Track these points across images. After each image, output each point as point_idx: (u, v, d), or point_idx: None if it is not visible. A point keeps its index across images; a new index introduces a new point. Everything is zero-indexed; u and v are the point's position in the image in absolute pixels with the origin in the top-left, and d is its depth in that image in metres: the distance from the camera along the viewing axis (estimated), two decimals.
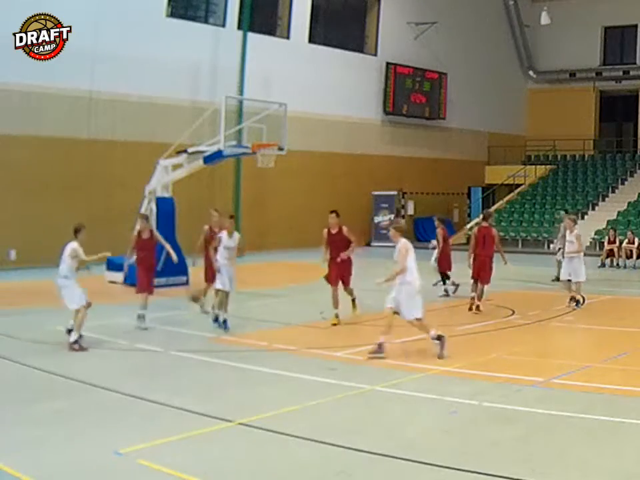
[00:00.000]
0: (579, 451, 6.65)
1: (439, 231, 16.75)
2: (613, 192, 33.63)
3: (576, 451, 6.65)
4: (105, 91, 23.55)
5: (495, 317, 13.71)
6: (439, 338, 10.28)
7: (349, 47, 32.26)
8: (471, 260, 14.63)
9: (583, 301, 14.83)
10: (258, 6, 28.48)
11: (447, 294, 16.41)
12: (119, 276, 18.51)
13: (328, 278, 13.29)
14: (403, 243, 10.43)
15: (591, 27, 37.27)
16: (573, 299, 14.74)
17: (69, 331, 11.34)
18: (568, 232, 14.95)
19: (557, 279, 17.24)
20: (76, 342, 11.26)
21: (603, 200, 33.08)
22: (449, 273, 16.53)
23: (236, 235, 12.81)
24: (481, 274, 14.53)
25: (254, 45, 27.63)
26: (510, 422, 7.47)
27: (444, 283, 16.53)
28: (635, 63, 37.25)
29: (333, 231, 13.15)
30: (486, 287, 14.69)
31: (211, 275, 13.22)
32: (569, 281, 14.79)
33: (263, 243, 27.18)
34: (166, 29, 25.24)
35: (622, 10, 35.77)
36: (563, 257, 15.51)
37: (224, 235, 12.65)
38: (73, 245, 11.95)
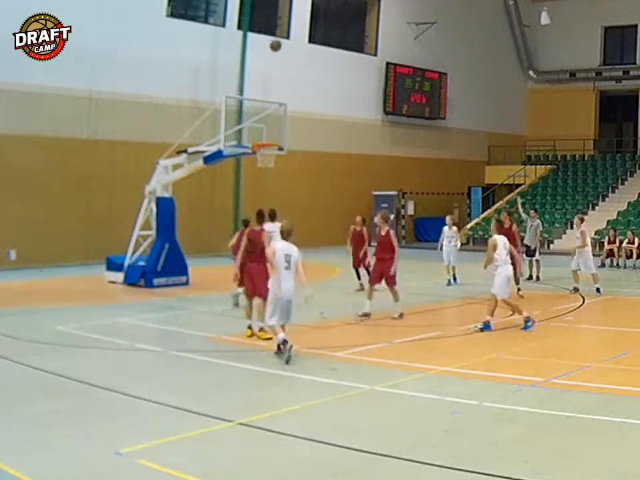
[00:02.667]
0: (579, 451, 6.64)
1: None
2: (613, 192, 33.62)
3: (576, 451, 6.64)
4: (105, 90, 23.55)
5: (495, 317, 13.69)
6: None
7: (349, 47, 32.25)
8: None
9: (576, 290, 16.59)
10: (258, 6, 28.47)
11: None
12: (119, 276, 18.56)
13: None
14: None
15: (591, 27, 37.29)
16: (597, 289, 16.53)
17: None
18: (575, 228, 16.88)
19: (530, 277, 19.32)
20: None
21: (603, 200, 33.07)
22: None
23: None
24: None
25: (254, 45, 27.62)
26: (509, 422, 7.47)
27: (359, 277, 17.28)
28: (634, 63, 37.25)
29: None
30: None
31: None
32: (577, 271, 16.68)
33: None
34: (166, 29, 25.24)
35: (622, 10, 35.77)
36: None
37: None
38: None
